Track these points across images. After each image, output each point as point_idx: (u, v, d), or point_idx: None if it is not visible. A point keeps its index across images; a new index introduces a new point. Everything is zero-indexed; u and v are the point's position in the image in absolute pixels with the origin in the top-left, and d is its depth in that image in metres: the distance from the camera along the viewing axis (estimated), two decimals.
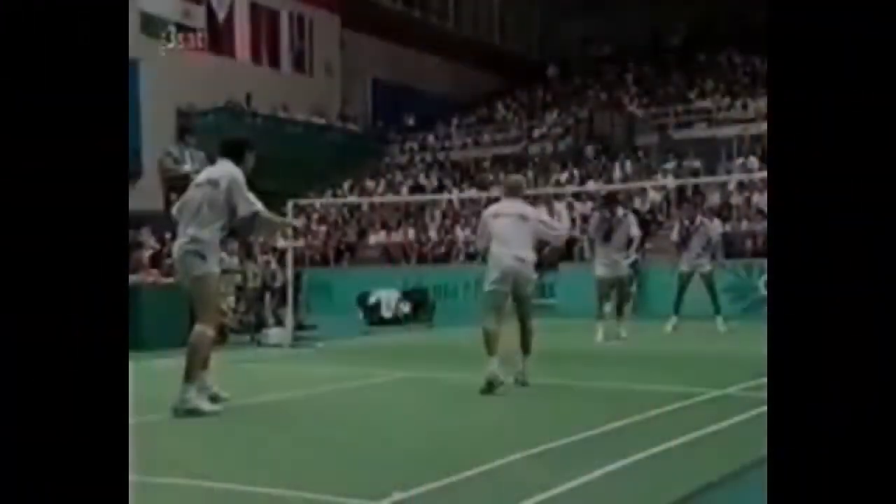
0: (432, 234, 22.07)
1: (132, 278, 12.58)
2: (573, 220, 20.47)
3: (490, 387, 6.65)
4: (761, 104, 23.72)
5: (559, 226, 10.10)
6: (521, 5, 36.34)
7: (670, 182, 20.25)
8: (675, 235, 13.12)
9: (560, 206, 20.65)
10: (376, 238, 22.59)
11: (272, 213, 6.90)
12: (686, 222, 13.00)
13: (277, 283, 14.06)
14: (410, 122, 30.62)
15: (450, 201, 22.56)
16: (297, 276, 14.57)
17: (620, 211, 11.91)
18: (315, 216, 23.96)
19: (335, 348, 11.30)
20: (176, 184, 11.14)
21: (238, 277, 13.16)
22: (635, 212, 16.28)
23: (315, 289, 16.81)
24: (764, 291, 16.40)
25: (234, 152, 6.27)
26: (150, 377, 7.57)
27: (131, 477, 4.05)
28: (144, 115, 23.38)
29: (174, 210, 6.32)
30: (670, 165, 21.65)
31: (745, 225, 18.28)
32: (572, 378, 7.91)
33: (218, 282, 6.23)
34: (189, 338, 6.00)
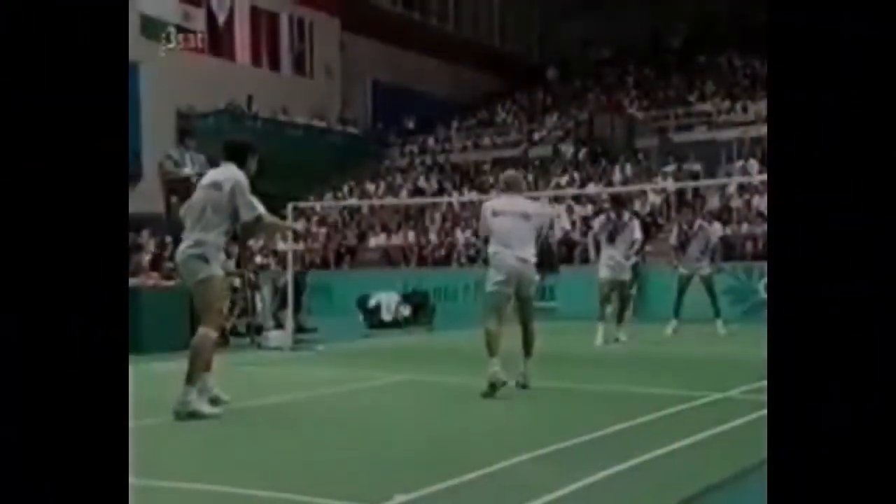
0: (432, 236, 22.09)
1: (132, 281, 12.58)
2: (573, 223, 20.51)
3: (492, 388, 6.64)
4: (761, 107, 23.74)
5: (549, 210, 10.01)
6: (521, 7, 36.40)
7: (670, 185, 20.28)
8: (673, 239, 13.14)
9: (560, 209, 20.69)
10: (376, 241, 22.61)
11: (273, 216, 6.92)
12: (685, 226, 13.02)
13: (279, 285, 14.04)
14: (410, 124, 30.63)
15: (450, 204, 22.59)
16: (301, 279, 14.59)
17: (626, 214, 11.94)
18: (315, 219, 23.97)
19: (335, 351, 11.29)
20: (176, 186, 11.17)
21: (237, 280, 13.14)
22: (637, 215, 16.30)
23: (315, 291, 16.80)
24: (764, 294, 16.40)
25: (237, 155, 6.27)
26: (151, 380, 7.57)
27: (131, 480, 4.05)
28: (144, 118, 23.43)
29: (181, 213, 6.36)
30: (670, 168, 21.69)
31: (745, 228, 18.30)
32: (573, 381, 7.91)
33: (221, 284, 6.24)
34: (192, 340, 6.02)
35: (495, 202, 7.39)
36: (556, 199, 20.60)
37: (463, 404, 6.76)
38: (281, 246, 19.47)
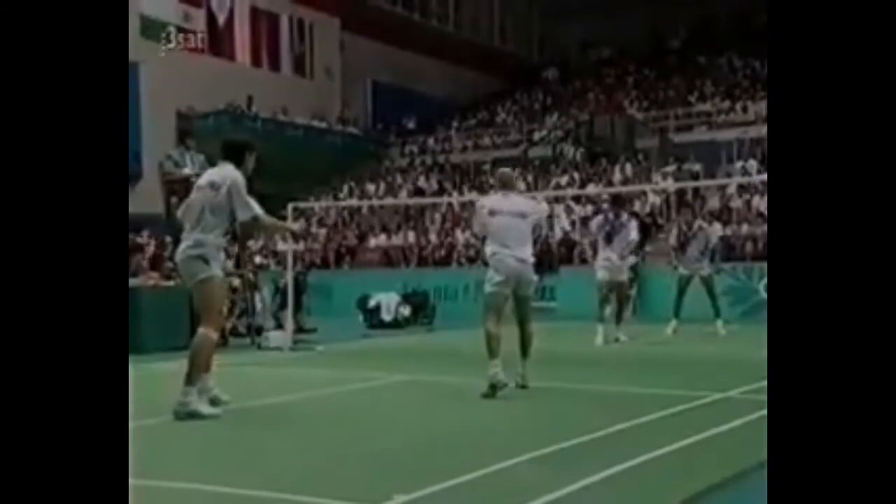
0: (432, 237, 22.09)
1: (133, 281, 12.57)
2: (573, 223, 20.51)
3: (493, 389, 6.64)
4: (761, 107, 23.75)
5: (543, 207, 9.99)
6: (521, 8, 36.40)
7: (670, 185, 20.30)
8: (673, 240, 13.15)
9: (560, 209, 20.70)
10: (376, 241, 22.61)
11: (272, 217, 6.91)
12: (684, 227, 13.03)
13: (280, 285, 14.04)
14: (410, 124, 30.65)
15: (450, 204, 22.60)
16: (301, 279, 14.59)
17: (624, 215, 11.95)
18: (315, 219, 23.97)
19: (335, 351, 11.30)
20: (176, 187, 11.18)
21: (237, 281, 13.13)
22: (635, 215, 16.29)
23: (315, 292, 16.81)
24: (764, 294, 16.41)
25: (234, 154, 6.25)
26: (151, 380, 7.56)
27: (131, 481, 4.05)
28: (144, 118, 23.46)
29: (179, 213, 6.35)
30: (670, 168, 21.69)
31: (745, 228, 18.29)
32: (573, 381, 7.91)
33: (221, 285, 6.24)
34: (192, 340, 6.01)
35: (492, 200, 7.33)
36: (556, 200, 20.59)
37: (462, 404, 6.76)
38: (281, 246, 19.47)
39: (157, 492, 4.04)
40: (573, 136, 26.03)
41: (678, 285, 12.71)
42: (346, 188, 25.71)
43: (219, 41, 26.74)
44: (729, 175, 20.02)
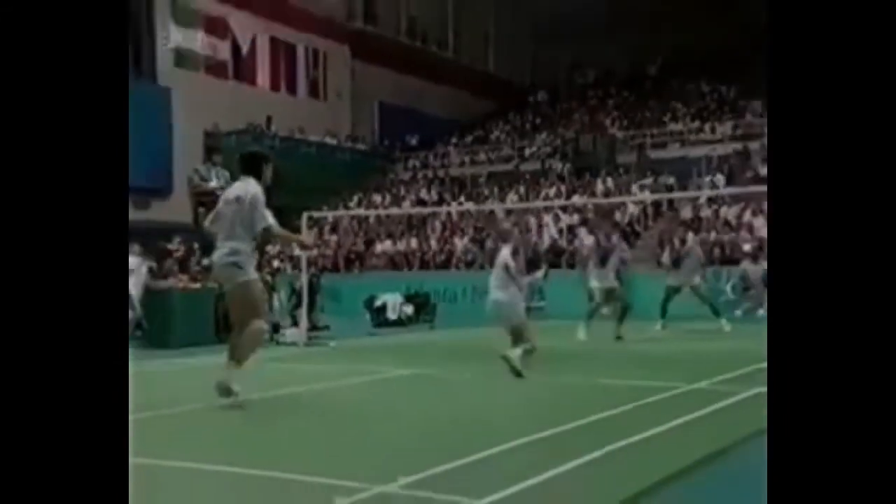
0: (433, 243, 22.09)
1: (164, 283, 12.63)
2: (560, 231, 20.55)
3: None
4: (727, 127, 23.95)
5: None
6: (513, 35, 36.39)
7: (647, 196, 20.35)
8: (666, 258, 13.23)
9: (548, 218, 20.74)
10: (382, 247, 22.60)
11: (287, 228, 6.91)
12: (677, 244, 13.15)
13: (296, 287, 14.05)
14: (413, 141, 30.66)
15: (449, 214, 22.60)
16: (316, 280, 14.59)
17: (614, 237, 12.15)
18: (327, 227, 23.98)
19: (346, 347, 11.31)
20: (203, 199, 11.22)
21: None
22: (616, 225, 16.35)
23: (326, 293, 16.81)
24: (731, 295, 16.45)
25: (253, 167, 6.24)
26: (185, 371, 7.58)
27: (162, 462, 4.07)
28: (175, 138, 23.60)
29: (207, 223, 6.35)
30: (647, 181, 21.71)
31: (713, 236, 18.35)
32: (564, 374, 7.92)
33: (260, 284, 6.25)
34: (249, 329, 5.96)
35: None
36: (546, 209, 20.62)
37: (460, 395, 6.79)
38: (296, 252, 19.49)
39: (188, 472, 4.08)
40: (560, 153, 26.04)
41: (666, 293, 12.81)
42: (355, 199, 25.70)
43: (242, 68, 26.90)
44: (699, 188, 20.05)
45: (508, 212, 20.73)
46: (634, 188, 21.38)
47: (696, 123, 24.95)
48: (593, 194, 21.59)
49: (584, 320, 11.43)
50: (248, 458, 4.40)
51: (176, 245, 14.44)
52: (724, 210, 19.11)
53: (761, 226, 17.77)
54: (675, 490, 3.81)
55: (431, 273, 20.36)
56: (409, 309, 15.64)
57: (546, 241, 20.06)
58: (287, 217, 6.54)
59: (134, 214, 21.97)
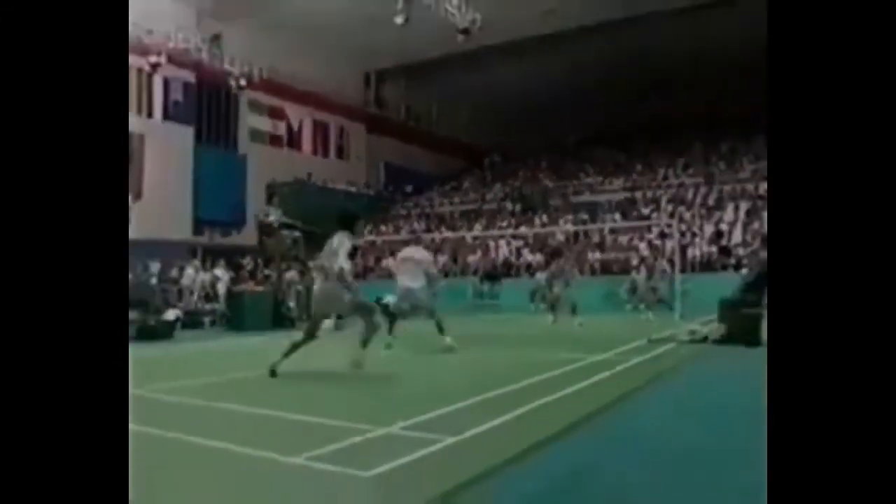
0: None
1: (239, 287, 12.64)
2: (510, 251, 20.70)
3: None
4: (622, 181, 24.09)
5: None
6: (478, 115, 36.60)
7: (570, 228, 20.61)
8: (625, 289, 13.37)
9: (502, 243, 20.89)
10: (386, 262, 22.63)
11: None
12: (649, 268, 13.55)
13: None
14: (408, 189, 30.92)
15: (433, 239, 22.68)
16: None
17: (566, 267, 12.37)
18: None
19: (359, 333, 11.22)
20: (264, 229, 11.34)
21: (300, 286, 13.16)
22: (556, 248, 16.47)
23: None
24: (623, 295, 16.43)
25: (347, 223, 5.84)
26: (250, 348, 7.57)
27: (242, 408, 4.01)
28: (248, 188, 24.05)
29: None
30: (570, 217, 21.96)
31: (612, 255, 18.60)
32: (510, 348, 7.89)
33: (359, 293, 5.92)
34: (373, 322, 5.84)
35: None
36: (500, 237, 20.79)
37: (435, 366, 6.79)
38: None
39: (250, 416, 4.05)
40: (510, 197, 26.25)
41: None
42: (367, 228, 25.76)
43: (293, 140, 27.38)
44: (604, 222, 20.37)
45: (475, 238, 20.85)
46: (561, 222, 21.65)
47: (600, 178, 25.33)
48: (533, 226, 21.81)
49: (533, 309, 11.63)
50: (288, 406, 4.35)
51: (247, 261, 14.47)
52: (619, 237, 19.37)
53: (644, 247, 18.00)
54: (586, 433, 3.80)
55: None
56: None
57: (501, 258, 20.24)
58: (322, 240, 6.52)
59: (220, 240, 22.62)
